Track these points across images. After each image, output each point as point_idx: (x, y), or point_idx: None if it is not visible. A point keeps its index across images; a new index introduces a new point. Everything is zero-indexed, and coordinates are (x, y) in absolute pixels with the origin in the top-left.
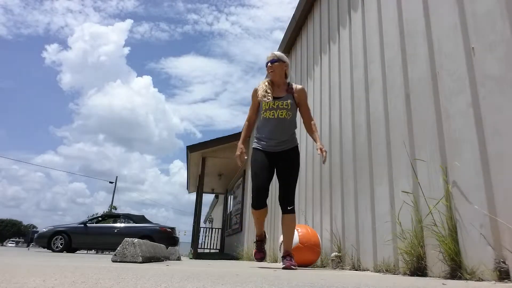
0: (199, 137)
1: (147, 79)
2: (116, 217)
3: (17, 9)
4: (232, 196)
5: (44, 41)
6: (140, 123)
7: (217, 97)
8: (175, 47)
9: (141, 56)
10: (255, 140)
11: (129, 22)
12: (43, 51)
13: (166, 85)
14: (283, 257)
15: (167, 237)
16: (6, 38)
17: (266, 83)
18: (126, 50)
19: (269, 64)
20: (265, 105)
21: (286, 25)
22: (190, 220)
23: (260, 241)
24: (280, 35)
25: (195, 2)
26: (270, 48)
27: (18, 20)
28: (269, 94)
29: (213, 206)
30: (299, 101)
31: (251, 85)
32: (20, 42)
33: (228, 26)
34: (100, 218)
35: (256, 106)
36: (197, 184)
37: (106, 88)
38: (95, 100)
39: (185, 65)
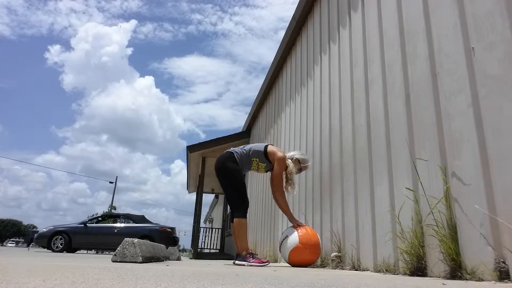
0: (202, 137)
1: (149, 80)
2: (116, 217)
3: (21, 9)
4: None
5: (47, 42)
6: (144, 124)
7: (220, 97)
8: (179, 47)
9: (144, 57)
10: (237, 158)
11: (133, 22)
12: (46, 51)
13: (169, 85)
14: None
15: (167, 237)
16: (10, 38)
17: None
18: (129, 51)
19: (305, 168)
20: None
21: None
22: (190, 220)
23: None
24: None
25: (199, 2)
26: (273, 48)
27: (21, 21)
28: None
29: (213, 206)
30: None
31: (254, 85)
32: (23, 42)
33: (231, 26)
34: (100, 218)
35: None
36: (197, 184)
37: (109, 89)
38: (98, 101)
39: (188, 65)
